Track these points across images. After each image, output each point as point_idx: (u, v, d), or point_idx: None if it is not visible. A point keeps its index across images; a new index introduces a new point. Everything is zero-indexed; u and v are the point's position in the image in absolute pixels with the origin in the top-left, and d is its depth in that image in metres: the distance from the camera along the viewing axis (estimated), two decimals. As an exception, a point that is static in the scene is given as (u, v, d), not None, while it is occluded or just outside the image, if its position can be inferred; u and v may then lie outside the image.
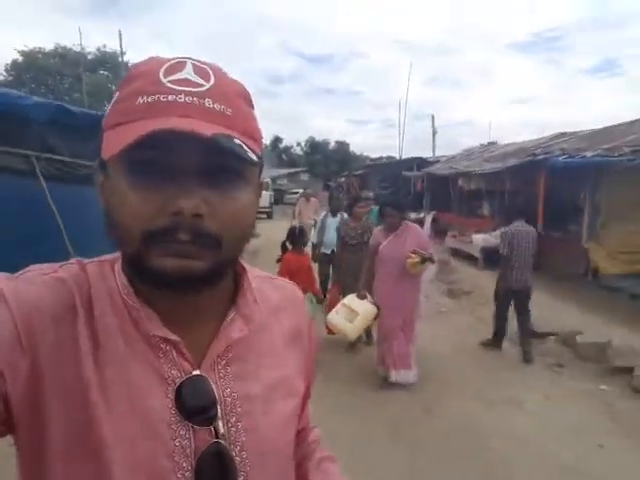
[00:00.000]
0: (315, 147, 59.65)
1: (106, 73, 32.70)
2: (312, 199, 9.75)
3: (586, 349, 4.53)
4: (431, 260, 3.93)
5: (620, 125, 9.04)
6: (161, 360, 0.53)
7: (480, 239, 9.36)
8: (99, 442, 0.49)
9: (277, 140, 63.12)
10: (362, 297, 4.09)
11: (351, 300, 4.13)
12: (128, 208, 0.49)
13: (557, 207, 8.58)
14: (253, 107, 0.58)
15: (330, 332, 4.48)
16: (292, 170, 47.95)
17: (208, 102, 0.50)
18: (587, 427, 3.40)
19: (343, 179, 28.34)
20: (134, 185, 0.49)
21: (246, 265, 0.64)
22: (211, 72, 0.53)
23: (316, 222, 8.04)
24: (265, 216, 23.28)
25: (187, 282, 0.50)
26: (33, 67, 30.59)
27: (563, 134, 11.22)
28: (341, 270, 4.87)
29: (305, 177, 45.50)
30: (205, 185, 0.49)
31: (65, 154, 5.18)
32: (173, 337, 0.54)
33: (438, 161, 17.19)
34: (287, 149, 61.86)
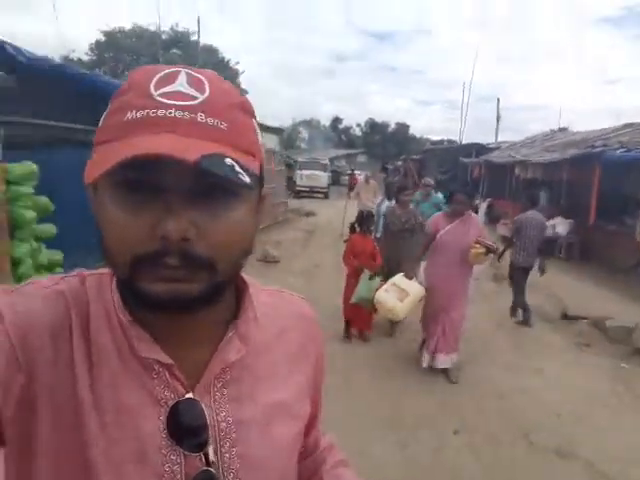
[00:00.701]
0: (374, 128, 59.29)
1: (179, 52, 34.30)
2: (371, 181, 9.96)
3: (614, 331, 4.94)
4: (495, 252, 4.03)
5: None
6: (155, 381, 0.52)
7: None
8: (89, 464, 0.48)
9: (336, 120, 63.18)
10: (410, 278, 4.13)
11: (400, 280, 4.14)
12: (115, 231, 0.47)
13: (613, 200, 8.67)
14: (253, 116, 0.54)
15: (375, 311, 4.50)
16: (350, 151, 48.12)
17: (200, 117, 0.47)
18: (599, 393, 3.90)
19: (400, 163, 28.39)
20: (120, 207, 0.46)
21: (250, 280, 0.62)
22: (206, 83, 0.50)
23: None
24: (322, 196, 24.02)
25: (180, 306, 0.48)
26: (113, 46, 32.49)
27: (630, 124, 11.03)
28: (384, 256, 4.88)
29: (363, 159, 45.59)
30: (194, 206, 0.46)
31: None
32: (165, 359, 0.52)
33: (498, 148, 17.10)
34: (346, 129, 61.87)
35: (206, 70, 0.52)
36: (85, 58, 30.75)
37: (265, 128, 13.09)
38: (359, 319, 4.79)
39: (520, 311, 5.61)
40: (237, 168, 0.44)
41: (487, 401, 3.70)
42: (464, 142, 22.68)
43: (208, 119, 0.47)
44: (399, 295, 4.01)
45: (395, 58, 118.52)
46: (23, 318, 0.49)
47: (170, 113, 0.46)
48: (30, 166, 3.52)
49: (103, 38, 31.66)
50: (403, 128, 59.46)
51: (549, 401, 3.72)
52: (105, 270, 0.55)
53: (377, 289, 4.29)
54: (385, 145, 53.97)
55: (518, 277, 5.56)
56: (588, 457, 3.01)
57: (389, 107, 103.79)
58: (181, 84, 0.48)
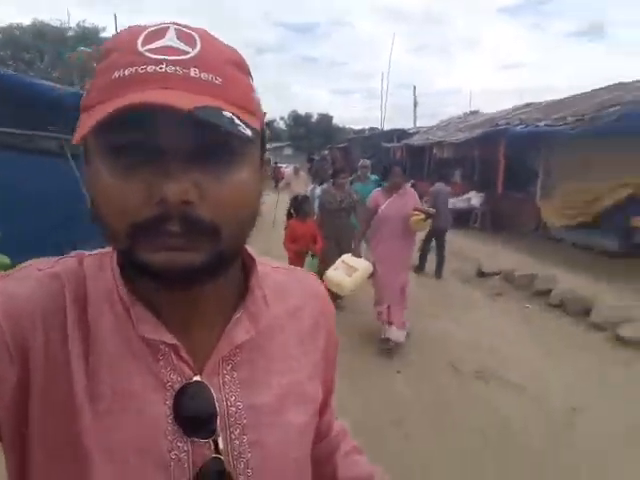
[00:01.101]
0: (298, 120, 59.71)
1: (88, 49, 32.54)
2: (301, 173, 10.18)
3: (519, 280, 5.71)
4: (433, 216, 4.32)
5: (576, 96, 10.08)
6: (160, 363, 0.48)
7: (450, 202, 10.45)
8: (87, 454, 0.44)
9: (260, 114, 62.95)
10: (358, 256, 4.32)
11: (349, 258, 4.32)
12: (109, 200, 0.43)
13: (517, 172, 9.67)
14: (249, 75, 0.50)
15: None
16: (276, 145, 48.28)
17: (194, 71, 0.42)
18: (507, 330, 4.57)
19: (327, 152, 29.07)
20: (114, 172, 0.42)
21: (257, 256, 0.58)
22: (197, 37, 0.45)
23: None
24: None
25: (184, 277, 0.43)
26: (10, 44, 30.15)
27: (528, 105, 12.23)
28: (322, 235, 5.05)
29: (289, 151, 45.86)
30: (195, 167, 0.42)
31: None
32: (171, 340, 0.48)
33: (417, 132, 18.11)
34: (270, 123, 61.93)
35: (197, 27, 0.48)
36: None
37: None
38: None
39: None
40: (237, 121, 0.41)
41: (420, 344, 4.23)
42: (386, 129, 23.74)
43: (202, 74, 0.43)
44: (347, 271, 4.14)
45: (315, 50, 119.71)
46: (14, 305, 0.46)
47: (161, 68, 0.42)
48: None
49: None
50: (326, 119, 60.38)
51: (469, 339, 4.31)
52: (106, 250, 0.52)
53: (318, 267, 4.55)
54: (310, 137, 54.50)
55: (439, 238, 6.43)
56: (500, 376, 3.59)
57: (311, 99, 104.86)
58: (171, 39, 0.44)
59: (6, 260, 4.00)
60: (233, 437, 0.50)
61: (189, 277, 0.44)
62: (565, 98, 10.27)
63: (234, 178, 0.45)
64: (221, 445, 0.49)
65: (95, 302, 0.49)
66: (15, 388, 0.45)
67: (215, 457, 0.48)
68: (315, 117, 59.80)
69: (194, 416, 0.48)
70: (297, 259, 4.81)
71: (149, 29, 0.45)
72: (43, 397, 0.45)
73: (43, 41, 30.17)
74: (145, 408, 0.47)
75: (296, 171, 10.14)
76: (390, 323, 4.10)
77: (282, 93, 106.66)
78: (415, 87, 29.67)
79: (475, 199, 10.62)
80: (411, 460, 2.57)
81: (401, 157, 15.62)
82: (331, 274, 4.21)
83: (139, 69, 0.42)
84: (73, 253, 0.54)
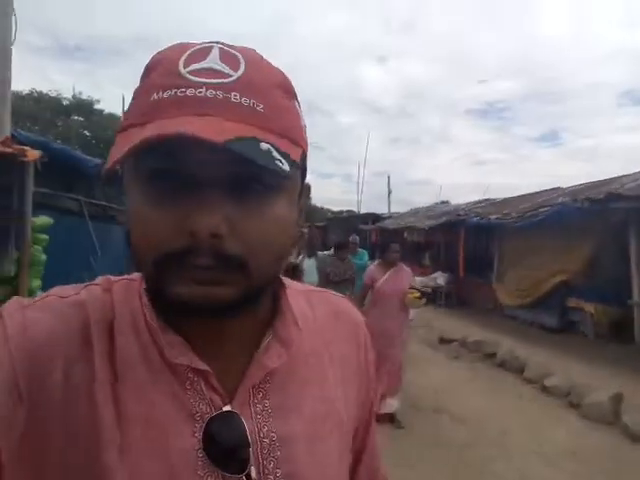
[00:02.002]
0: (278, 198, 62.48)
1: (80, 119, 34.49)
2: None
3: (471, 345, 6.90)
4: (429, 295, 4.63)
5: (523, 196, 11.90)
6: (188, 393, 0.46)
7: (419, 281, 11.78)
8: None
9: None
10: None
11: None
12: (140, 226, 0.42)
13: (476, 257, 11.16)
14: (296, 99, 0.48)
15: None
16: (256, 219, 50.20)
17: (234, 96, 0.41)
18: (460, 379, 5.66)
19: (306, 230, 30.64)
20: (145, 200, 0.42)
21: (287, 281, 0.56)
22: (242, 59, 0.44)
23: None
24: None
25: (212, 311, 0.42)
26: (13, 112, 31.66)
27: (486, 200, 14.13)
28: None
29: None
30: (228, 199, 0.41)
31: (102, 199, 7.34)
32: (202, 366, 0.46)
33: (390, 217, 19.96)
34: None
35: (244, 46, 0.46)
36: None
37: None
38: None
39: None
40: (275, 154, 0.39)
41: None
42: (362, 212, 25.71)
43: (243, 99, 0.41)
44: None
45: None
46: (33, 339, 0.43)
47: (200, 92, 0.40)
48: (48, 219, 4.58)
49: None
50: (305, 199, 63.39)
51: (438, 386, 5.35)
52: (134, 275, 0.51)
53: None
54: (289, 214, 56.69)
55: None
56: (452, 411, 4.62)
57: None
58: (213, 60, 0.43)
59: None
60: (267, 471, 0.46)
61: (219, 311, 0.42)
62: (514, 197, 12.12)
63: (267, 212, 0.43)
64: (254, 477, 0.46)
65: (122, 329, 0.46)
66: (25, 428, 0.41)
67: None
68: (295, 196, 62.69)
69: (226, 449, 0.45)
70: None
71: (193, 48, 0.44)
72: (62, 436, 0.42)
73: (39, 108, 32.00)
74: (174, 441, 0.44)
75: None
76: (384, 397, 4.18)
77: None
78: (389, 177, 32.28)
79: (440, 279, 11.97)
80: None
81: (376, 239, 17.17)
82: None
83: (178, 92, 0.41)
84: (99, 279, 0.51)
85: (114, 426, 0.43)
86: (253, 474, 0.46)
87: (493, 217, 9.97)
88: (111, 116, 35.44)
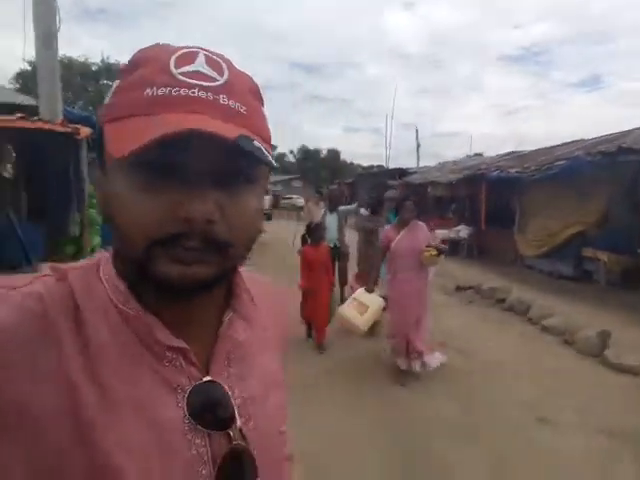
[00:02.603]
0: (307, 155, 62.16)
1: (109, 83, 35.02)
2: (320, 202, 11.67)
3: (485, 292, 7.41)
4: (446, 252, 4.33)
5: (552, 147, 11.87)
6: (167, 369, 0.50)
7: (440, 233, 12.19)
8: (111, 469, 0.44)
9: (271, 147, 65.75)
10: (370, 291, 4.41)
11: (361, 294, 4.43)
12: (133, 212, 0.45)
13: (498, 210, 11.42)
14: (263, 103, 0.54)
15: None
16: (286, 177, 50.48)
17: (223, 99, 0.46)
18: (474, 322, 6.24)
19: (335, 186, 30.87)
20: (140, 188, 0.45)
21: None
22: (224, 65, 0.49)
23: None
24: (265, 217, 26.06)
25: (194, 288, 0.47)
26: (33, 73, 32.03)
27: (512, 152, 14.12)
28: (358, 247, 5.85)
29: (298, 184, 47.88)
30: (218, 188, 0.46)
31: None
32: (181, 344, 0.51)
33: (416, 172, 20.09)
34: (281, 157, 64.46)
35: (220, 53, 0.51)
36: (9, 87, 30.22)
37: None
38: (319, 318, 5.07)
39: None
40: (264, 151, 0.45)
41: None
42: (391, 167, 25.80)
43: (230, 102, 0.47)
44: (359, 309, 4.25)
45: (324, 88, 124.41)
46: None
47: (193, 93, 0.45)
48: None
49: (28, 68, 30.81)
50: (334, 154, 62.80)
51: (450, 327, 5.92)
52: (88, 262, 0.53)
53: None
54: (318, 171, 56.72)
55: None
56: (457, 346, 5.22)
57: (321, 135, 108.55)
58: (201, 64, 0.47)
59: (99, 219, 5.69)
60: (242, 427, 0.53)
61: (197, 289, 0.48)
62: (537, 149, 12.09)
63: (248, 202, 0.49)
64: (237, 433, 0.53)
65: (89, 317, 0.48)
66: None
67: (237, 444, 0.52)
68: (324, 152, 62.35)
69: (211, 412, 0.51)
70: (311, 293, 4.97)
71: (180, 51, 0.48)
72: (34, 432, 0.42)
73: (70, 74, 32.54)
74: (161, 412, 0.48)
75: (316, 202, 11.45)
76: (410, 354, 4.19)
77: (292, 129, 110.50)
78: (417, 130, 32.02)
79: (463, 231, 12.34)
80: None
81: (400, 193, 17.47)
82: (344, 313, 4.39)
83: (172, 91, 0.45)
84: (47, 269, 0.51)
85: (102, 411, 0.45)
86: (236, 429, 0.52)
87: (513, 171, 10.16)
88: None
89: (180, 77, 0.46)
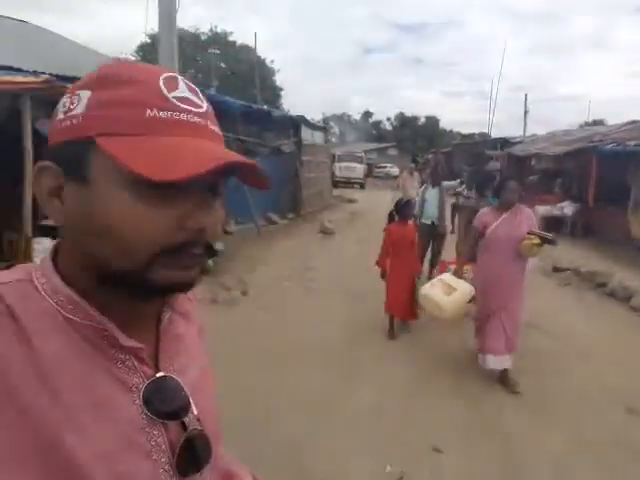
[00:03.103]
0: (404, 122, 60.36)
1: (216, 52, 36.64)
2: (415, 173, 11.07)
3: (584, 275, 7.02)
4: (553, 242, 3.57)
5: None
6: (121, 370, 0.52)
7: (542, 210, 11.50)
8: (77, 468, 0.46)
9: (367, 114, 64.70)
10: (459, 276, 3.98)
11: (448, 277, 4.02)
12: (139, 223, 0.47)
13: (608, 185, 10.48)
14: None
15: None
16: (381, 145, 49.70)
17: (210, 124, 0.52)
18: (569, 304, 6.03)
19: (431, 156, 30.04)
20: (144, 200, 0.47)
21: None
22: (198, 91, 0.53)
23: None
24: (359, 186, 26.11)
25: (181, 290, 0.53)
26: (155, 48, 34.31)
27: (634, 122, 12.69)
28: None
29: (393, 152, 47.03)
30: (214, 200, 0.53)
31: (243, 135, 8.73)
32: (138, 345, 0.53)
33: (521, 142, 18.77)
34: (376, 124, 63.27)
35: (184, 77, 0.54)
36: (132, 59, 32.47)
37: (314, 127, 15.26)
38: (402, 308, 4.70)
39: None
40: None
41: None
42: (494, 135, 24.33)
43: (214, 127, 0.53)
44: (446, 290, 3.82)
45: (424, 50, 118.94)
46: None
47: (191, 118, 0.50)
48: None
49: (148, 40, 31.80)
50: (433, 122, 60.35)
51: (542, 308, 5.71)
52: (16, 276, 0.52)
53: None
54: (415, 139, 55.04)
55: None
56: (544, 327, 5.11)
57: (419, 100, 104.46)
58: (184, 91, 0.51)
59: (220, 247, 6.33)
60: (191, 415, 0.57)
61: (186, 289, 0.53)
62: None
63: (222, 211, 0.56)
64: (188, 421, 0.56)
65: (36, 331, 0.48)
66: None
67: (195, 429, 0.57)
68: (422, 120, 60.16)
69: (168, 405, 0.54)
70: (394, 278, 4.66)
71: (164, 74, 0.51)
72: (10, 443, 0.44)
73: (181, 46, 34.32)
74: (119, 412, 0.51)
75: (411, 172, 11.01)
76: (490, 352, 3.74)
77: (389, 94, 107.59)
78: (526, 95, 29.54)
79: (568, 208, 11.53)
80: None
81: (501, 166, 16.57)
82: (429, 292, 3.95)
83: (173, 114, 0.49)
84: None
85: (65, 420, 0.46)
86: (188, 419, 0.56)
87: (632, 144, 9.22)
88: (244, 48, 37.28)
89: (176, 102, 0.49)
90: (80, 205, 0.49)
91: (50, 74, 4.92)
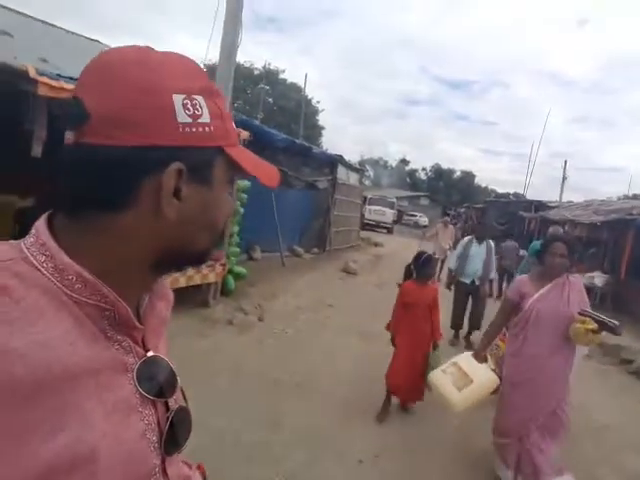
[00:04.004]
0: (440, 174, 60.80)
1: (266, 87, 38.31)
2: (450, 226, 10.91)
3: (609, 348, 6.76)
4: (614, 330, 2.62)
5: None
6: (118, 351, 0.54)
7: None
8: (83, 447, 0.46)
9: (403, 162, 65.56)
10: (482, 359, 3.19)
11: (465, 361, 3.21)
12: (227, 213, 0.62)
13: (644, 261, 10.23)
14: None
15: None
16: (414, 193, 50.03)
17: None
18: (588, 379, 5.78)
19: (463, 210, 30.01)
20: (228, 194, 0.62)
21: None
22: None
23: (450, 248, 9.07)
24: (386, 231, 26.23)
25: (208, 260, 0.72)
26: (211, 78, 36.89)
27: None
28: None
29: (425, 202, 47.19)
30: None
31: (283, 167, 9.04)
32: (142, 327, 0.57)
33: (557, 207, 18.59)
34: (412, 172, 63.92)
35: None
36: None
37: (350, 167, 15.56)
38: (405, 389, 3.83)
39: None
40: None
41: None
42: (529, 197, 24.16)
43: None
44: (459, 381, 3.07)
45: (467, 107, 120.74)
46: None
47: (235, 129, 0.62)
48: (247, 183, 6.09)
49: (205, 70, 35.28)
50: (469, 177, 60.56)
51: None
52: (15, 264, 0.49)
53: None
54: (449, 192, 55.19)
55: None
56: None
57: (456, 154, 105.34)
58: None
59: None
60: (178, 390, 0.62)
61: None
62: None
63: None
64: (173, 400, 0.60)
65: (40, 308, 0.47)
66: None
67: (181, 407, 0.61)
68: (458, 174, 60.42)
69: (161, 383, 0.58)
70: (402, 348, 3.80)
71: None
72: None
73: (235, 77, 36.34)
74: (119, 392, 0.52)
75: (445, 224, 10.93)
76: (522, 468, 2.86)
77: (428, 145, 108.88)
78: (566, 161, 29.50)
79: (598, 279, 11.24)
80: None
81: (534, 228, 16.37)
82: (438, 382, 3.19)
83: (234, 126, 0.61)
84: None
85: (97, 403, 0.49)
86: (176, 396, 0.61)
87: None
88: (293, 86, 38.84)
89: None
90: (201, 204, 0.56)
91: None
